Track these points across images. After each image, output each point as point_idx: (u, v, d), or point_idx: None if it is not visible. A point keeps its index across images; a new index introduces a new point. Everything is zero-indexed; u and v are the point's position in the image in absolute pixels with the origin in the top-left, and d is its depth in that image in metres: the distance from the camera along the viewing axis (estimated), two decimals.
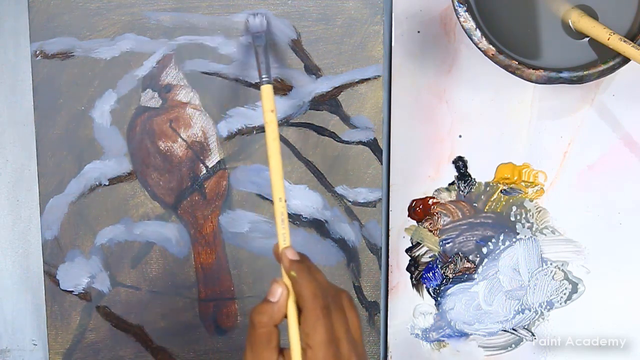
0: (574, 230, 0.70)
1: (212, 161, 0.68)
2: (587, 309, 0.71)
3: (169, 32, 0.67)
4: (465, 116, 0.69)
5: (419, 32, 0.68)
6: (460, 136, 0.69)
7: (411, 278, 0.71)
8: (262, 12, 0.66)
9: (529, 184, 0.70)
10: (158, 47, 0.67)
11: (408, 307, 0.71)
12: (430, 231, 0.70)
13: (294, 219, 0.68)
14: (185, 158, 0.68)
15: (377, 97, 0.67)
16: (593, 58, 0.62)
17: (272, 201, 0.68)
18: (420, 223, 0.70)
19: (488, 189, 0.70)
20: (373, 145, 0.68)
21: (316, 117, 0.68)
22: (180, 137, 0.68)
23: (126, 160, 0.68)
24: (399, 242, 0.70)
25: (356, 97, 0.67)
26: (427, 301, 0.71)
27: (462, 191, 0.70)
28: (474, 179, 0.70)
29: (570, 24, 0.63)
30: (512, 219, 0.70)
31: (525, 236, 0.70)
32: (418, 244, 0.71)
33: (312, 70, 0.67)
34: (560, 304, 0.71)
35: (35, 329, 0.72)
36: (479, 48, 0.61)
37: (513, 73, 0.61)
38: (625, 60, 0.61)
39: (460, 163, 0.69)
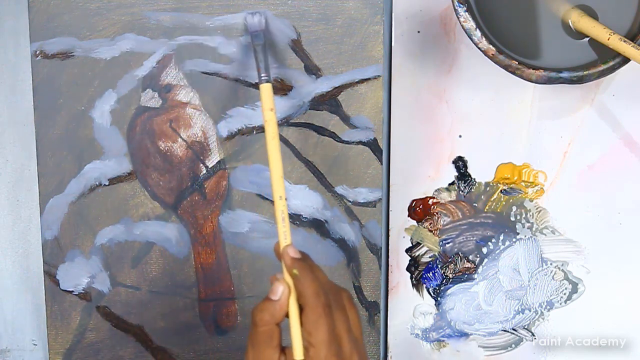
0: (574, 230, 0.70)
1: (212, 161, 0.68)
2: (587, 309, 0.71)
3: (169, 32, 0.67)
4: (465, 116, 0.69)
5: (419, 32, 0.68)
6: (460, 136, 0.69)
7: (411, 278, 0.71)
8: (260, 11, 0.66)
9: (529, 184, 0.70)
10: (158, 47, 0.67)
11: (408, 307, 0.71)
12: (430, 231, 0.70)
13: (294, 219, 0.68)
14: (185, 158, 0.68)
15: (377, 97, 0.67)
16: (593, 58, 0.62)
17: (272, 201, 0.68)
18: (420, 223, 0.70)
19: (488, 189, 0.70)
20: (373, 145, 0.68)
21: (316, 117, 0.68)
22: (180, 137, 0.68)
23: (126, 160, 0.68)
24: (399, 242, 0.70)
25: (356, 97, 0.67)
26: (427, 301, 0.71)
27: (462, 191, 0.70)
28: (474, 179, 0.70)
29: (570, 24, 0.63)
30: (512, 219, 0.70)
31: (525, 236, 0.70)
32: (418, 244, 0.71)
33: (312, 70, 0.67)
34: (560, 304, 0.71)
35: (35, 329, 0.72)
36: (479, 48, 0.61)
37: (513, 73, 0.61)
38: (625, 60, 0.61)
39: (460, 163, 0.69)
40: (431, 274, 0.71)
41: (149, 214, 0.68)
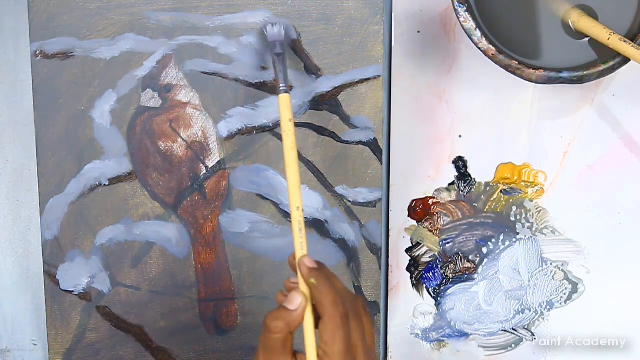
0: (574, 230, 0.70)
1: (212, 161, 0.68)
2: (587, 309, 0.71)
3: (169, 32, 0.67)
4: (465, 116, 0.69)
5: (419, 32, 0.68)
6: (460, 136, 0.69)
7: (411, 278, 0.71)
8: (281, 21, 0.66)
9: (529, 184, 0.70)
10: (158, 47, 0.67)
11: (408, 307, 0.71)
12: (430, 231, 0.70)
13: None
14: (185, 158, 0.68)
15: (377, 97, 0.67)
16: (593, 58, 0.62)
17: (272, 201, 0.68)
18: (420, 223, 0.70)
19: (488, 189, 0.70)
20: (373, 145, 0.68)
21: (316, 117, 0.68)
22: (180, 137, 0.68)
23: (126, 160, 0.68)
24: (399, 242, 0.70)
25: (356, 97, 0.67)
26: (427, 301, 0.71)
27: (462, 191, 0.70)
28: (474, 179, 0.70)
29: (570, 24, 0.63)
30: (512, 219, 0.70)
31: (525, 236, 0.70)
32: (418, 244, 0.71)
33: (312, 70, 0.67)
34: (560, 304, 0.71)
35: (35, 329, 0.72)
36: (479, 48, 0.61)
37: (513, 73, 0.61)
38: (625, 60, 0.61)
39: (460, 163, 0.69)
40: (431, 274, 0.71)
41: (149, 214, 0.68)
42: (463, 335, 0.71)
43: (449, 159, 0.69)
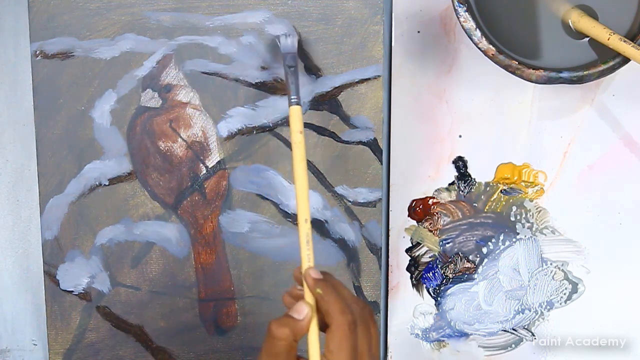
0: (574, 230, 0.70)
1: (212, 161, 0.68)
2: (587, 309, 0.71)
3: (169, 32, 0.67)
4: (465, 116, 0.69)
5: (419, 32, 0.68)
6: (460, 136, 0.69)
7: (411, 278, 0.71)
8: (293, 33, 0.66)
9: (529, 184, 0.70)
10: (158, 47, 0.67)
11: (408, 307, 0.71)
12: (430, 231, 0.70)
13: (294, 218, 0.68)
14: (185, 158, 0.68)
15: (377, 97, 0.67)
16: (593, 58, 0.62)
17: (272, 201, 0.68)
18: (420, 223, 0.70)
19: (488, 189, 0.70)
20: (373, 145, 0.68)
21: (316, 117, 0.68)
22: (180, 137, 0.68)
23: (126, 160, 0.68)
24: (399, 242, 0.70)
25: (356, 97, 0.67)
26: (427, 301, 0.71)
27: (462, 191, 0.70)
28: (474, 179, 0.70)
29: (570, 24, 0.63)
30: (512, 219, 0.70)
31: (525, 236, 0.70)
32: (418, 244, 0.70)
33: (312, 70, 0.67)
34: (560, 304, 0.71)
35: (35, 329, 0.72)
36: (479, 48, 0.61)
37: (513, 73, 0.61)
38: (625, 60, 0.61)
39: (460, 163, 0.69)
40: (431, 274, 0.71)
41: (149, 214, 0.68)
42: (463, 335, 0.71)
43: (449, 159, 0.69)
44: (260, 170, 0.68)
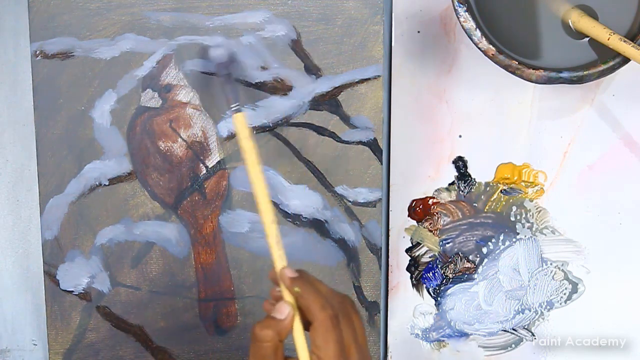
0: (574, 230, 0.70)
1: (212, 161, 0.68)
2: (587, 309, 0.71)
3: (169, 32, 0.67)
4: (465, 116, 0.69)
5: (419, 32, 0.68)
6: (460, 136, 0.69)
7: (411, 278, 0.71)
8: (223, 43, 0.66)
9: (529, 184, 0.70)
10: (158, 47, 0.67)
11: (408, 307, 0.71)
12: (430, 231, 0.70)
13: (294, 219, 0.68)
14: (185, 158, 0.68)
15: (377, 97, 0.67)
16: (593, 58, 0.62)
17: (272, 201, 0.68)
18: (420, 223, 0.70)
19: (488, 189, 0.70)
20: (373, 145, 0.68)
21: (316, 117, 0.68)
22: (180, 137, 0.68)
23: (126, 160, 0.68)
24: (399, 242, 0.70)
25: (356, 97, 0.67)
26: (427, 301, 0.71)
27: (462, 191, 0.70)
28: (474, 179, 0.70)
29: (570, 24, 0.63)
30: (512, 219, 0.70)
31: (525, 236, 0.70)
32: (418, 244, 0.71)
33: (312, 70, 0.67)
34: (560, 304, 0.71)
35: (35, 329, 0.72)
36: (479, 48, 0.61)
37: (513, 73, 0.61)
38: (625, 60, 0.61)
39: (460, 163, 0.69)
40: (431, 274, 0.71)
41: (149, 214, 0.68)
42: (463, 335, 0.71)
43: (449, 159, 0.69)
44: None
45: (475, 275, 0.71)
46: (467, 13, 0.61)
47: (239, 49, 0.67)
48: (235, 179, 0.68)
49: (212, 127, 0.68)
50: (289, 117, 0.67)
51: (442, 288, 0.71)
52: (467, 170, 0.70)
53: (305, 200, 0.68)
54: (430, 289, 0.71)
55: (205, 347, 0.69)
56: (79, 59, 0.67)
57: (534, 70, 0.61)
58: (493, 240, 0.70)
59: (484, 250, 0.70)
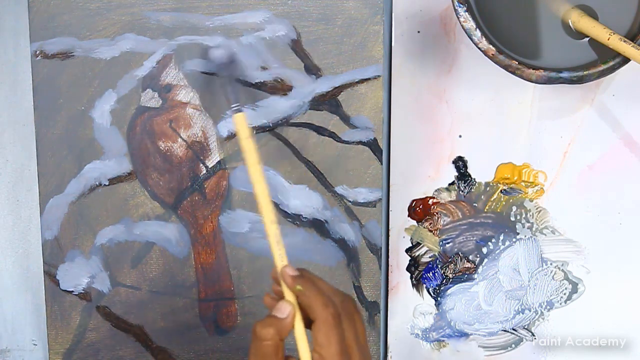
0: (574, 230, 0.70)
1: (212, 161, 0.68)
2: (587, 309, 0.71)
3: (169, 32, 0.67)
4: (465, 116, 0.69)
5: (419, 32, 0.68)
6: (460, 136, 0.69)
7: (411, 278, 0.71)
8: (223, 44, 0.66)
9: (529, 184, 0.70)
10: (158, 47, 0.67)
11: (408, 307, 0.71)
12: (430, 231, 0.70)
13: (294, 219, 0.68)
14: (185, 158, 0.68)
15: (377, 97, 0.67)
16: (593, 58, 0.62)
17: (272, 201, 0.68)
18: (420, 223, 0.70)
19: (488, 189, 0.70)
20: (373, 145, 0.68)
21: (316, 117, 0.68)
22: (180, 137, 0.68)
23: (126, 160, 0.68)
24: (399, 242, 0.70)
25: (356, 97, 0.67)
26: (427, 301, 0.71)
27: (462, 191, 0.70)
28: (474, 179, 0.70)
29: (570, 24, 0.63)
30: (512, 219, 0.70)
31: (525, 236, 0.70)
32: (418, 244, 0.71)
33: (312, 70, 0.67)
34: (560, 304, 0.71)
35: (35, 329, 0.72)
36: (479, 48, 0.61)
37: (513, 73, 0.61)
38: (625, 60, 0.61)
39: (460, 163, 0.69)
40: (431, 274, 0.71)
41: (149, 214, 0.68)
42: (463, 335, 0.71)
43: (449, 159, 0.69)
44: None
45: (475, 275, 0.71)
46: (467, 13, 0.61)
47: (239, 49, 0.67)
48: (235, 179, 0.68)
49: (212, 127, 0.68)
50: (289, 117, 0.67)
51: (442, 288, 0.71)
52: (467, 170, 0.70)
53: (305, 200, 0.68)
54: (430, 289, 0.71)
55: (205, 347, 0.69)
56: (79, 59, 0.67)
57: (534, 70, 0.61)
58: (493, 240, 0.70)
59: (484, 250, 0.70)
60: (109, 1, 0.66)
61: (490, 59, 0.61)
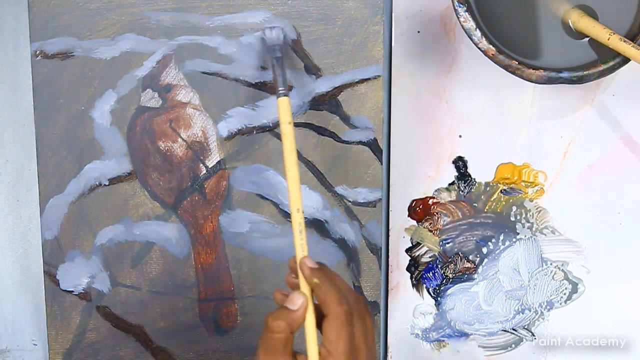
0: (574, 230, 0.70)
1: (212, 161, 0.68)
2: (587, 309, 0.71)
3: (169, 32, 0.67)
4: (465, 116, 0.69)
5: (419, 32, 0.68)
6: (460, 136, 0.69)
7: (411, 278, 0.71)
8: (278, 25, 0.66)
9: (529, 184, 0.70)
10: (158, 47, 0.67)
11: (408, 307, 0.71)
12: (430, 231, 0.70)
13: None
14: (185, 158, 0.68)
15: (377, 97, 0.67)
16: (593, 58, 0.62)
17: (272, 201, 0.68)
18: (420, 223, 0.70)
19: (488, 189, 0.70)
20: (373, 145, 0.68)
21: (316, 117, 0.68)
22: (180, 137, 0.68)
23: (126, 160, 0.68)
24: (399, 242, 0.70)
25: (356, 97, 0.67)
26: (427, 301, 0.71)
27: (462, 191, 0.70)
28: (474, 179, 0.70)
29: (570, 24, 0.63)
30: (512, 219, 0.70)
31: (525, 236, 0.70)
32: (418, 244, 0.71)
33: (312, 70, 0.67)
34: (560, 304, 0.71)
35: (35, 329, 0.72)
36: (479, 48, 0.61)
37: (513, 73, 0.61)
38: (625, 60, 0.61)
39: (460, 163, 0.69)
40: (431, 274, 0.71)
41: (149, 214, 0.68)
42: (463, 335, 0.71)
43: (449, 159, 0.69)
44: (260, 170, 0.68)
45: (475, 275, 0.71)
46: (467, 13, 0.61)
47: (238, 48, 0.67)
48: (235, 179, 0.68)
49: (212, 127, 0.68)
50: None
51: (442, 288, 0.71)
52: (467, 170, 0.70)
53: (305, 200, 0.68)
54: (430, 289, 0.71)
55: (205, 347, 0.69)
56: (79, 59, 0.67)
57: (534, 70, 0.61)
58: (493, 240, 0.70)
59: (484, 250, 0.70)
60: (109, 1, 0.66)
61: (490, 59, 0.61)
